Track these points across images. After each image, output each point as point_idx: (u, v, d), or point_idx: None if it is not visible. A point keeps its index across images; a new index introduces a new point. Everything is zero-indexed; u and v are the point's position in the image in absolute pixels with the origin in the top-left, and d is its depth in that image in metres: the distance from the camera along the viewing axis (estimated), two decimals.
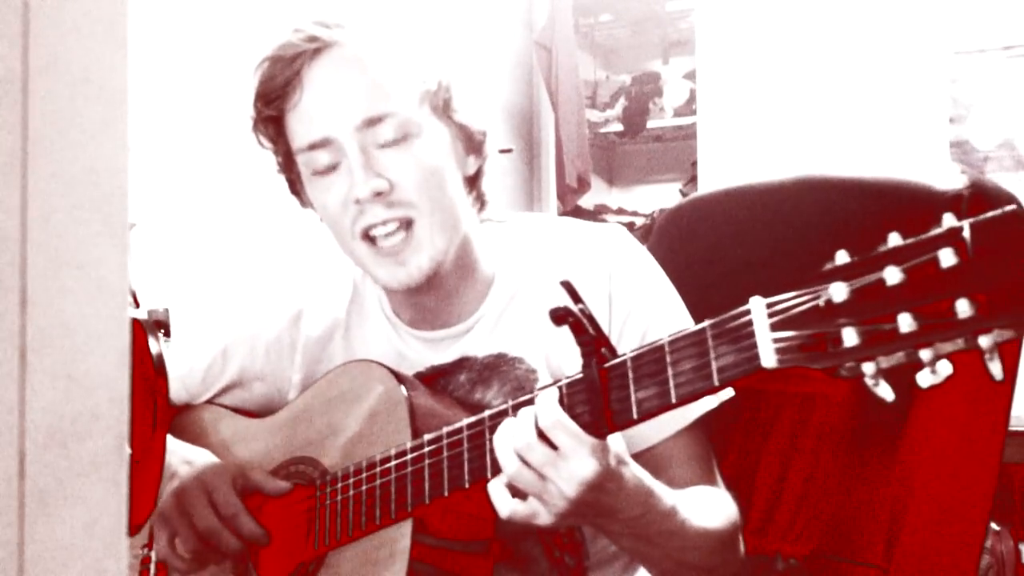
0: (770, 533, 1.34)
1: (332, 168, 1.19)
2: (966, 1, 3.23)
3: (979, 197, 1.22)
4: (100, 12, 0.52)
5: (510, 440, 0.98)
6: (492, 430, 1.03)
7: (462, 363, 1.26)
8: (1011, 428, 2.70)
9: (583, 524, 1.07)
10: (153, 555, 1.25)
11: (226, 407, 1.37)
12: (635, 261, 1.26)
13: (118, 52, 0.53)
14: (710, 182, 3.51)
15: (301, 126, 1.19)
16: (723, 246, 1.48)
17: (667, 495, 1.07)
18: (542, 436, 0.97)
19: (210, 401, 1.39)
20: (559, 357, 1.23)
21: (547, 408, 0.97)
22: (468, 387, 1.25)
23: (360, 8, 1.23)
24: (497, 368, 1.24)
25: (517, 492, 1.00)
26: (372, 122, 1.16)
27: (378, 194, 1.15)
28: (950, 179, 1.25)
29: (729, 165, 3.49)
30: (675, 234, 1.49)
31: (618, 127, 4.47)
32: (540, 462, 0.97)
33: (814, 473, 1.33)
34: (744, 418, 1.37)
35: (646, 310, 1.22)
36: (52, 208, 0.50)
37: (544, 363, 1.23)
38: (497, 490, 1.00)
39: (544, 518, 0.99)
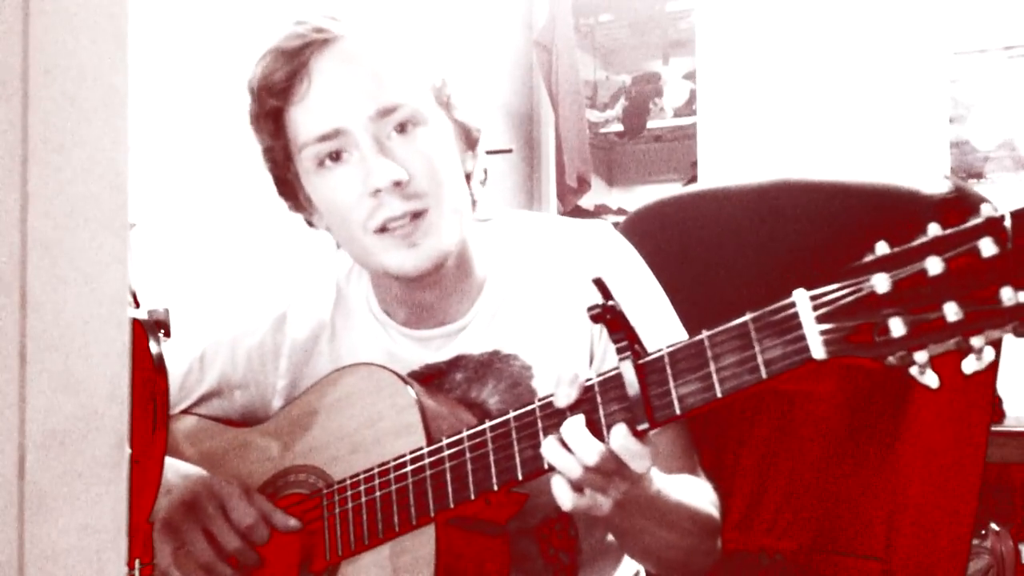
0: (753, 529, 1.34)
1: (340, 161, 1.17)
2: (966, 1, 3.23)
3: (960, 203, 1.22)
4: (100, 12, 0.52)
5: (579, 460, 0.98)
6: (518, 431, 1.03)
7: (457, 361, 1.25)
8: (1011, 428, 2.71)
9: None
10: (136, 573, 1.21)
11: (205, 416, 1.32)
12: (623, 258, 1.26)
13: (118, 52, 0.53)
14: (710, 182, 3.51)
15: (310, 117, 1.17)
16: (692, 247, 1.48)
17: (656, 477, 1.07)
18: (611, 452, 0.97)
19: (187, 411, 1.33)
20: (552, 353, 1.23)
21: (619, 437, 0.97)
22: (465, 386, 1.24)
23: (360, 6, 1.23)
24: (492, 366, 1.24)
25: (577, 486, 1.00)
26: (385, 112, 1.15)
27: (397, 184, 1.14)
28: (933, 184, 1.26)
29: (729, 165, 3.49)
30: (641, 234, 1.48)
31: (618, 127, 4.47)
32: (611, 471, 0.97)
33: (799, 469, 1.33)
34: (722, 417, 1.37)
35: (634, 306, 1.22)
36: (52, 208, 0.50)
37: (538, 359, 1.23)
38: (560, 486, 1.00)
39: (605, 507, 1.00)
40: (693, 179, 3.91)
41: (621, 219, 4.66)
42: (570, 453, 0.98)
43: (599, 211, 4.42)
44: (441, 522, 1.09)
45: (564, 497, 0.99)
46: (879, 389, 1.25)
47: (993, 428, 1.26)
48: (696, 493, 1.18)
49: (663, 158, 4.55)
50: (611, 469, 0.97)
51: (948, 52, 3.25)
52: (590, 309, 0.97)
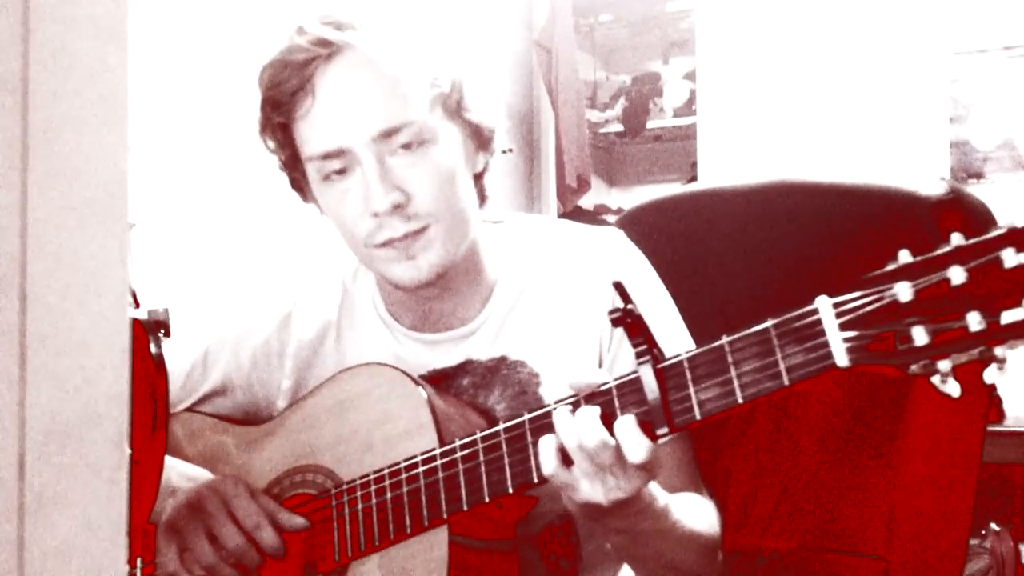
0: (749, 529, 1.35)
1: (345, 175, 1.16)
2: (966, 1, 3.23)
3: (956, 204, 1.22)
4: (100, 12, 0.52)
5: (576, 438, 0.97)
6: (533, 433, 1.02)
7: (465, 366, 1.24)
8: (1011, 428, 2.70)
9: (592, 517, 1.07)
10: (138, 572, 1.20)
11: (209, 415, 1.32)
12: (635, 265, 1.26)
13: (118, 52, 0.53)
14: (706, 182, 3.50)
15: (313, 134, 1.16)
16: (686, 247, 1.47)
17: (661, 495, 1.07)
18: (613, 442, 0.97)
19: (190, 409, 1.32)
20: (560, 360, 1.22)
21: (627, 430, 0.96)
22: (472, 391, 1.23)
23: (364, 8, 1.21)
24: (499, 372, 1.23)
25: (565, 458, 0.99)
26: (389, 133, 1.14)
27: (396, 207, 1.14)
28: (929, 185, 1.25)
29: (729, 165, 3.49)
30: (635, 233, 1.48)
31: (618, 127, 4.47)
32: (609, 463, 0.97)
33: (795, 469, 1.33)
34: (717, 417, 1.37)
35: (645, 314, 1.22)
36: (52, 208, 0.50)
37: (546, 366, 1.22)
38: (548, 446, 0.99)
39: (579, 496, 0.99)
40: (693, 179, 3.91)
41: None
42: (574, 425, 0.97)
43: (599, 211, 4.42)
44: (451, 541, 1.08)
45: (547, 459, 0.99)
46: (875, 389, 1.25)
47: (993, 428, 1.26)
48: (702, 514, 1.18)
49: (663, 158, 4.55)
50: (605, 460, 0.96)
51: (948, 52, 3.25)
52: (611, 313, 0.97)
